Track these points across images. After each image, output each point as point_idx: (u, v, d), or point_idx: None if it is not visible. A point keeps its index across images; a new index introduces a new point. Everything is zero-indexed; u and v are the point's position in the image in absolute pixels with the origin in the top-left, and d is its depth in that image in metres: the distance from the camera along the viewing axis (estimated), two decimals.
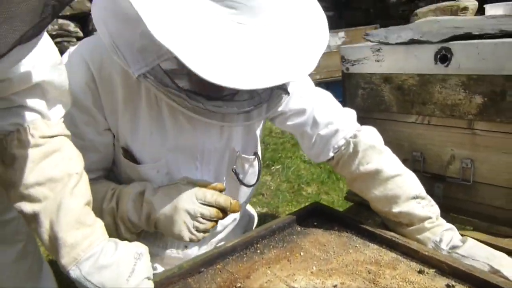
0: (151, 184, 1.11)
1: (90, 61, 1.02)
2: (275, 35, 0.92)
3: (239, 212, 1.30)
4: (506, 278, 0.95)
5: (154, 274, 0.95)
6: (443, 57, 1.26)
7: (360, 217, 1.34)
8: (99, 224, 0.92)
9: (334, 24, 5.21)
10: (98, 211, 1.02)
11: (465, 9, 1.67)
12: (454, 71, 1.25)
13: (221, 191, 1.10)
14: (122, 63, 0.93)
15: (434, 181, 1.42)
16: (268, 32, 0.90)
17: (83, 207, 0.90)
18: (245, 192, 1.33)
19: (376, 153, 1.18)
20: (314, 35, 1.02)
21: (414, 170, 1.29)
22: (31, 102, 0.89)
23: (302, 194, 2.90)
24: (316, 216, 1.30)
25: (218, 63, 0.81)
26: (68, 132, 0.96)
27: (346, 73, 1.54)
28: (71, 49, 1.07)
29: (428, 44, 1.28)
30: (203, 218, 1.03)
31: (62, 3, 0.63)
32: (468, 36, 1.23)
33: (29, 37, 0.62)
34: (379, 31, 1.40)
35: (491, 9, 1.71)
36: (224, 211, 1.08)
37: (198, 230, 1.04)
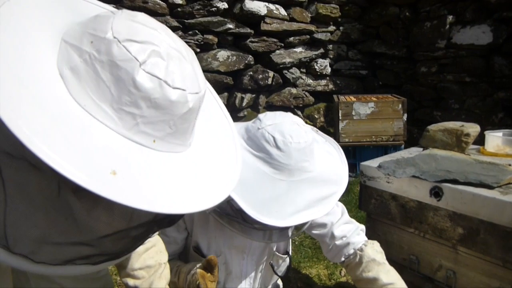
0: None
1: None
2: (303, 184, 1.34)
3: (270, 286, 1.73)
4: None
5: None
6: (436, 193, 1.65)
7: None
8: None
9: (367, 82, 5.61)
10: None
11: (467, 135, 2.04)
12: (443, 205, 1.64)
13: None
14: None
15: (425, 281, 1.79)
16: (297, 184, 1.33)
17: (165, 286, 1.36)
18: (276, 277, 1.75)
19: (375, 265, 1.57)
20: (334, 173, 1.45)
21: (410, 269, 1.67)
22: None
23: (336, 262, 3.25)
24: None
25: (267, 209, 1.24)
26: (158, 232, 1.43)
27: (363, 184, 1.94)
28: None
29: (426, 181, 1.68)
30: None
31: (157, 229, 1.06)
32: (455, 181, 1.61)
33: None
34: (389, 164, 1.80)
35: (489, 137, 2.09)
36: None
37: None
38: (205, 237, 1.56)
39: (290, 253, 1.73)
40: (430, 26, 4.75)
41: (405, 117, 4.04)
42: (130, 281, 1.35)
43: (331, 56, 5.48)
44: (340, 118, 4.10)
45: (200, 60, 4.68)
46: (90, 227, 0.81)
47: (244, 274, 1.65)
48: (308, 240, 3.46)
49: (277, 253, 1.67)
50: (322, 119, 5.36)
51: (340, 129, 4.11)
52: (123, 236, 0.87)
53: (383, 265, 1.59)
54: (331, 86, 5.45)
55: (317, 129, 1.65)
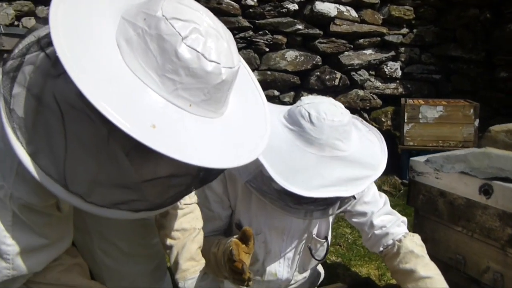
0: None
1: None
2: (334, 161, 1.39)
3: (308, 272, 1.79)
4: None
5: None
6: (486, 191, 1.60)
7: None
8: (203, 262, 1.51)
9: (440, 87, 5.36)
10: (207, 252, 1.58)
11: None
12: (493, 204, 1.59)
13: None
14: (236, 173, 1.49)
15: (471, 283, 1.74)
16: (327, 160, 1.38)
17: (196, 249, 1.51)
18: (314, 261, 1.80)
19: (413, 257, 1.56)
20: (370, 159, 1.48)
21: (456, 269, 1.63)
22: None
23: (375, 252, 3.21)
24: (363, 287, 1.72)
25: (291, 176, 1.32)
26: (197, 201, 1.56)
27: (412, 180, 1.93)
28: None
29: (475, 178, 1.63)
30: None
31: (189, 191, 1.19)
32: (507, 179, 1.55)
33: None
34: (437, 159, 1.77)
35: None
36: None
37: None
38: (247, 215, 1.66)
39: (329, 238, 1.77)
40: None
41: (476, 122, 3.83)
42: (168, 241, 1.51)
43: (403, 59, 5.32)
44: (406, 120, 4.00)
45: (269, 59, 4.84)
46: (131, 172, 0.96)
47: (283, 254, 1.73)
48: (361, 239, 3.43)
49: (315, 237, 1.72)
50: (389, 122, 5.22)
51: (405, 132, 4.01)
52: (159, 184, 1.02)
53: (422, 258, 1.58)
54: (400, 90, 5.29)
55: (362, 119, 1.68)
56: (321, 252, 1.77)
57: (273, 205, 1.50)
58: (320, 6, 4.83)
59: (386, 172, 4.36)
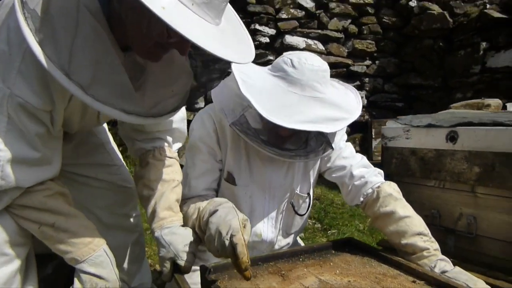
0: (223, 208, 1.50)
1: (214, 118, 1.68)
2: (314, 101, 1.50)
3: (291, 238, 1.81)
4: None
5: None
6: (452, 138, 1.73)
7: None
8: (180, 215, 1.51)
9: (403, 114, 5.68)
10: (194, 212, 1.57)
11: (488, 106, 2.12)
12: (459, 148, 1.71)
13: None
14: (223, 117, 1.57)
15: (447, 234, 1.80)
16: (308, 99, 1.49)
17: (174, 201, 1.53)
18: (298, 221, 1.83)
19: (392, 200, 1.64)
20: (346, 105, 1.59)
21: (433, 224, 1.70)
22: (165, 137, 1.58)
23: (356, 205, 3.36)
24: (348, 246, 1.75)
25: (274, 110, 1.41)
26: (178, 158, 1.60)
27: (385, 147, 2.04)
28: (202, 110, 1.75)
29: (441, 128, 1.77)
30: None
31: (199, 93, 1.29)
32: (470, 124, 1.69)
33: (180, 106, 1.28)
34: (407, 117, 1.92)
35: (511, 106, 2.15)
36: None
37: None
38: (236, 166, 1.70)
39: (311, 195, 1.83)
40: (464, 54, 4.88)
41: None
42: (145, 191, 1.54)
43: (367, 89, 5.67)
44: (373, 136, 4.20)
45: None
46: (124, 71, 1.13)
47: (266, 213, 1.76)
48: (361, 215, 3.50)
49: (298, 192, 1.77)
50: (357, 148, 5.43)
51: (373, 147, 4.19)
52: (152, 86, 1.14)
53: (400, 200, 1.66)
54: (367, 117, 5.58)
55: (339, 80, 1.82)
56: (303, 208, 1.81)
57: (257, 146, 1.55)
58: (289, 39, 5.19)
59: None
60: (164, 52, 1.20)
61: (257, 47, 5.08)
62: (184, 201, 1.61)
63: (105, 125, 1.88)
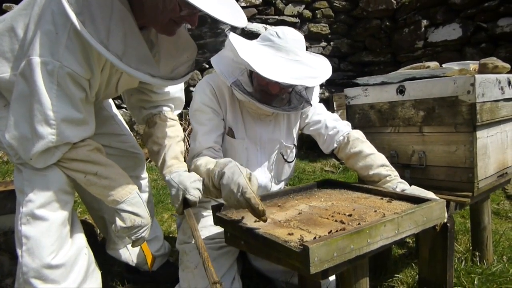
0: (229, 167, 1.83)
1: (213, 83, 2.02)
2: (297, 63, 1.87)
3: (282, 185, 2.19)
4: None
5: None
6: (401, 91, 2.16)
7: None
8: (185, 164, 1.85)
9: None
10: (204, 171, 1.89)
11: (428, 67, 2.58)
12: (407, 98, 2.14)
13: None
14: (224, 79, 1.91)
15: (404, 169, 2.24)
16: (292, 62, 1.86)
17: (179, 152, 1.88)
18: (286, 169, 2.21)
19: (359, 142, 2.05)
20: (320, 67, 1.98)
21: (392, 163, 2.12)
22: (167, 104, 1.92)
23: (331, 152, 3.65)
24: (328, 184, 2.15)
25: (268, 69, 1.77)
26: (178, 120, 1.96)
27: (348, 105, 2.46)
28: (202, 79, 2.08)
29: (392, 84, 2.19)
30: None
31: (203, 61, 1.63)
32: (414, 78, 2.13)
33: (191, 71, 1.62)
34: (364, 78, 2.33)
35: (445, 65, 2.62)
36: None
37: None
38: (235, 122, 2.05)
39: (295, 145, 2.21)
40: (408, 31, 5.44)
41: None
42: (155, 147, 1.87)
43: None
44: (335, 108, 4.64)
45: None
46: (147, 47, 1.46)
47: (260, 163, 2.12)
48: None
49: (285, 143, 2.14)
50: None
51: None
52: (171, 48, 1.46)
53: (366, 142, 2.08)
54: (327, 94, 6.05)
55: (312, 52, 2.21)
56: (291, 157, 2.19)
57: (255, 102, 1.89)
58: (250, 26, 5.53)
59: (326, 156, 4.90)
60: (177, 26, 1.52)
61: (219, 34, 5.37)
62: (193, 156, 1.94)
63: (111, 101, 2.16)
